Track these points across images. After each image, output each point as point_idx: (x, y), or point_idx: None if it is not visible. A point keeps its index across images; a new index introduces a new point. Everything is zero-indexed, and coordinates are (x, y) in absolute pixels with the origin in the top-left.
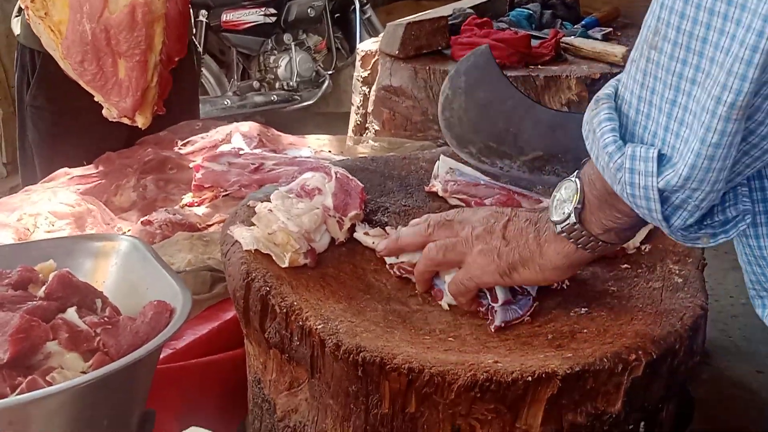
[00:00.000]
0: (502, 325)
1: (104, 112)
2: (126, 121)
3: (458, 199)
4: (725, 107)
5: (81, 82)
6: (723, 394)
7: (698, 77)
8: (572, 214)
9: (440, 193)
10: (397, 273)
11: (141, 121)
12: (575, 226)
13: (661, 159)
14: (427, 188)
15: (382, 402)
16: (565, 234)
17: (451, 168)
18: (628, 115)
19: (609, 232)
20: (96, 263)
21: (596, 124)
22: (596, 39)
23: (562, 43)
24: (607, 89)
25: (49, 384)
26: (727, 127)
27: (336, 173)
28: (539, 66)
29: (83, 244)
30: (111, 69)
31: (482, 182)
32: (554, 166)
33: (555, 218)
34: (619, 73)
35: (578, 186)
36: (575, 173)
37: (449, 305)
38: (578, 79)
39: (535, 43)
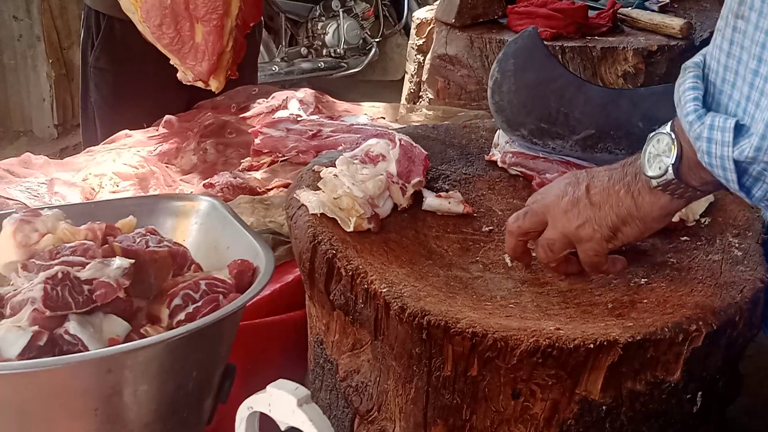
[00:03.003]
0: None
1: (179, 75)
2: (200, 84)
3: (517, 171)
4: None
5: (158, 46)
6: None
7: None
8: (670, 169)
9: (499, 163)
10: None
11: (215, 85)
12: (673, 181)
13: (739, 130)
14: (487, 157)
15: (444, 365)
16: (661, 188)
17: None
18: (714, 84)
19: (707, 185)
20: (177, 222)
21: (681, 93)
22: (653, 11)
23: (620, 14)
24: (696, 57)
25: (142, 336)
26: None
27: (400, 140)
28: (596, 37)
29: (164, 204)
30: (188, 33)
31: (540, 155)
32: (606, 143)
33: (651, 173)
34: (676, 45)
35: (674, 139)
36: (668, 125)
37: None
38: (635, 50)
39: (592, 13)
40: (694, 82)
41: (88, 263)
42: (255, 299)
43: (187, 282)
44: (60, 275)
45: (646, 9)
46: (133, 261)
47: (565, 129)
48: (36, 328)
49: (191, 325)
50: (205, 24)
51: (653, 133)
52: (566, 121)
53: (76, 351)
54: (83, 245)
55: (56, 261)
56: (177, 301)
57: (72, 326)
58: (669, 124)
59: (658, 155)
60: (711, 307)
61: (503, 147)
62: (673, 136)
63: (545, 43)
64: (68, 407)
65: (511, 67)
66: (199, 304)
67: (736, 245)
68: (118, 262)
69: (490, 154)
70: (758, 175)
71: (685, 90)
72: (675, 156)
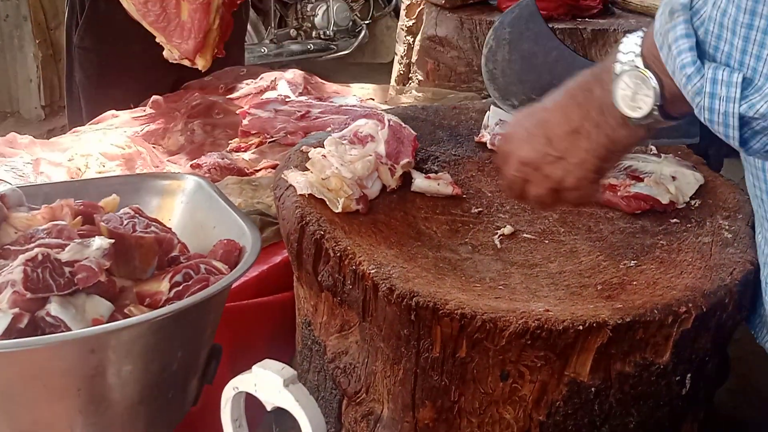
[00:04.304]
0: None
1: (165, 53)
2: (186, 63)
3: None
4: None
5: (144, 23)
6: (756, 353)
7: None
8: (656, 110)
9: (488, 145)
10: None
11: (201, 63)
12: (657, 119)
13: (745, 83)
14: (476, 138)
15: (433, 346)
16: (638, 125)
17: (501, 120)
18: (710, 31)
19: (686, 115)
20: (162, 201)
21: (672, 40)
22: None
23: None
24: None
25: (126, 316)
26: None
27: (389, 121)
28: (587, 19)
29: (150, 182)
30: (174, 10)
31: None
32: None
33: (631, 113)
34: None
35: (651, 76)
36: (636, 58)
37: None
38: (626, 33)
39: None
40: (686, 29)
41: (65, 244)
42: (243, 280)
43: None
44: (40, 257)
45: None
46: (112, 241)
47: None
48: (16, 310)
49: (175, 305)
50: (192, 1)
51: (620, 68)
52: None
53: (59, 332)
54: (56, 226)
55: (33, 244)
56: (178, 278)
57: (53, 308)
58: (634, 55)
59: (635, 94)
60: (701, 289)
61: (493, 128)
62: (649, 73)
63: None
64: (50, 388)
65: (506, 36)
66: (188, 283)
67: (726, 227)
68: (98, 242)
69: (480, 135)
70: (761, 129)
71: (677, 38)
72: (657, 95)
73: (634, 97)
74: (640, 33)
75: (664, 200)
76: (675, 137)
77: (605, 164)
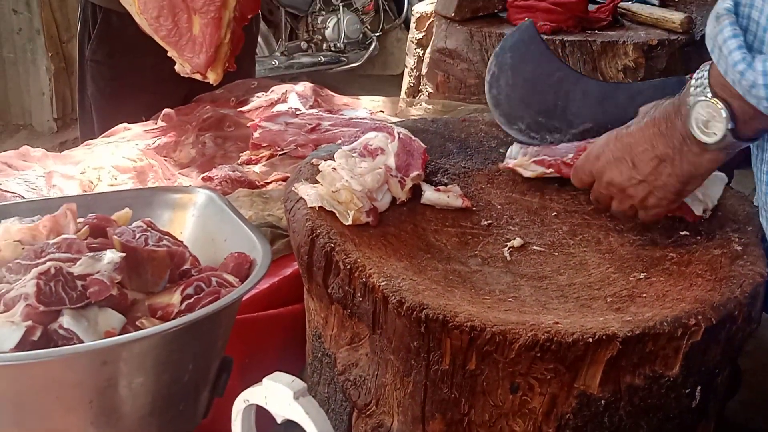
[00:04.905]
0: None
1: (177, 67)
2: (198, 76)
3: (536, 162)
4: None
5: (156, 38)
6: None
7: None
8: (729, 135)
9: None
10: None
11: (213, 77)
12: (732, 142)
13: None
14: (501, 165)
15: (443, 358)
16: (717, 149)
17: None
18: (759, 23)
19: (761, 132)
20: (174, 214)
21: (722, 42)
22: (654, 5)
23: (620, 8)
24: (725, 3)
25: (138, 329)
26: None
27: (399, 134)
28: (596, 31)
29: (161, 196)
30: (186, 25)
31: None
32: (599, 134)
33: (707, 140)
34: (676, 40)
35: (719, 104)
36: (704, 90)
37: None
38: (635, 45)
39: (592, 7)
40: (733, 29)
41: (76, 258)
42: (253, 292)
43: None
44: (53, 271)
45: (647, 3)
46: (123, 254)
47: (562, 123)
48: (29, 323)
49: (186, 318)
50: (203, 16)
51: (693, 101)
52: (564, 115)
53: (72, 345)
54: (66, 240)
55: (43, 259)
56: (189, 291)
57: (66, 320)
58: (703, 87)
59: (708, 121)
60: (710, 301)
61: (518, 151)
62: (717, 101)
63: (542, 36)
64: (63, 400)
65: (508, 60)
66: (200, 296)
67: (736, 240)
68: (109, 255)
69: (505, 163)
70: None
71: (726, 39)
72: (728, 119)
73: (707, 124)
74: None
75: (698, 211)
76: None
77: (687, 187)
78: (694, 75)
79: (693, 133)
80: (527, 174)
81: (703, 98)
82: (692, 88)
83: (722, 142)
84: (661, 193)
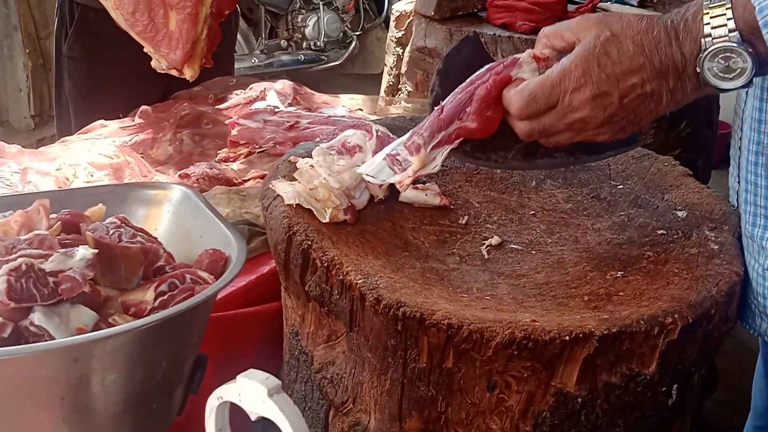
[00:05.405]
0: None
1: (153, 63)
2: (174, 72)
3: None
4: None
5: (132, 33)
6: (745, 364)
7: None
8: (752, 78)
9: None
10: None
11: (189, 74)
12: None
13: None
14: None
15: (419, 356)
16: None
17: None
18: None
19: None
20: (149, 211)
21: None
22: (632, 5)
23: (598, 8)
24: None
25: (111, 325)
26: None
27: (377, 131)
28: None
29: (136, 192)
30: (162, 20)
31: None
32: (546, 148)
33: (726, 86)
34: None
35: (749, 57)
36: (730, 36)
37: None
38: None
39: (571, 7)
40: None
41: (47, 254)
42: (230, 290)
43: (175, 272)
44: (24, 267)
45: (626, 4)
46: (96, 251)
47: (508, 139)
48: (0, 319)
49: (159, 315)
50: (179, 11)
51: (708, 42)
52: (509, 130)
53: (43, 342)
54: (38, 236)
55: (14, 255)
56: (163, 287)
57: (37, 317)
58: (727, 29)
59: (729, 67)
60: (687, 300)
61: None
62: (744, 48)
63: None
64: (34, 397)
65: (452, 81)
66: (174, 293)
67: (713, 239)
68: (82, 252)
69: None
70: None
71: None
72: (751, 65)
73: (727, 70)
74: (727, 3)
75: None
76: (616, 147)
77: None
78: (707, 12)
79: (707, 79)
80: (404, 199)
81: (729, 43)
82: (707, 28)
83: (742, 86)
84: (631, 129)
